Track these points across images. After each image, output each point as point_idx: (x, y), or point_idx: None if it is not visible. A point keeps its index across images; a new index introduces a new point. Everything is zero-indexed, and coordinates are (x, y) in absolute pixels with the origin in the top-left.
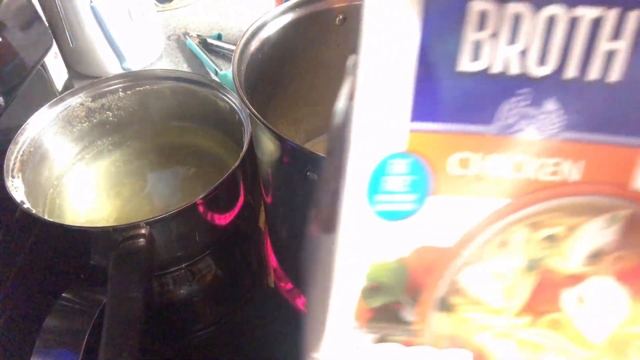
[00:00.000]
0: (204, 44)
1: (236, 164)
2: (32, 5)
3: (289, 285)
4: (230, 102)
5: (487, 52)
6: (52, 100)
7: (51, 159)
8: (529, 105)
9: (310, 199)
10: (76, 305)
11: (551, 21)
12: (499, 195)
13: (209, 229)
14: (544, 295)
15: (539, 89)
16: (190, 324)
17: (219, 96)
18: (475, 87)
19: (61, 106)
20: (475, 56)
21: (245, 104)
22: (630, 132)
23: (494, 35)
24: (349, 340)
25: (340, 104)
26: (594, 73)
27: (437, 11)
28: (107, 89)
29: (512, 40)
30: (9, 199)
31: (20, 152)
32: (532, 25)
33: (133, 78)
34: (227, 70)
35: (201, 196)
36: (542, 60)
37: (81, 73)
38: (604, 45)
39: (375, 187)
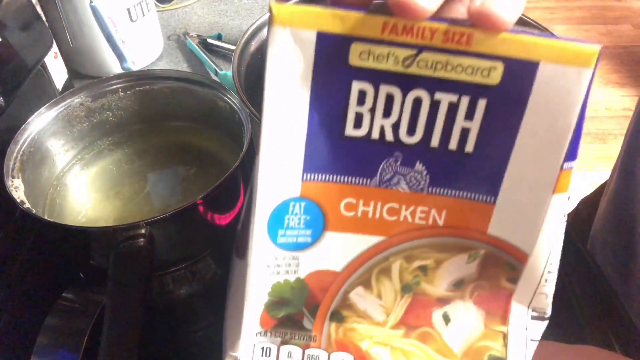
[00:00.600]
0: (204, 44)
1: (236, 164)
2: (32, 5)
3: None
4: (230, 102)
5: (367, 122)
6: (52, 100)
7: (51, 159)
8: (402, 165)
9: None
10: (76, 305)
11: (417, 101)
12: (378, 233)
13: (209, 229)
14: (417, 312)
15: (409, 153)
16: (190, 324)
17: (219, 96)
18: (358, 149)
19: (61, 106)
20: (358, 125)
21: (245, 104)
22: (483, 192)
23: (372, 109)
24: (258, 342)
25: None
26: (452, 144)
27: (324, 89)
28: (107, 89)
29: (386, 114)
30: (9, 199)
31: (20, 152)
32: (402, 104)
33: (133, 78)
34: (227, 70)
35: (201, 196)
36: (411, 132)
37: (81, 73)
38: (459, 123)
39: (277, 223)
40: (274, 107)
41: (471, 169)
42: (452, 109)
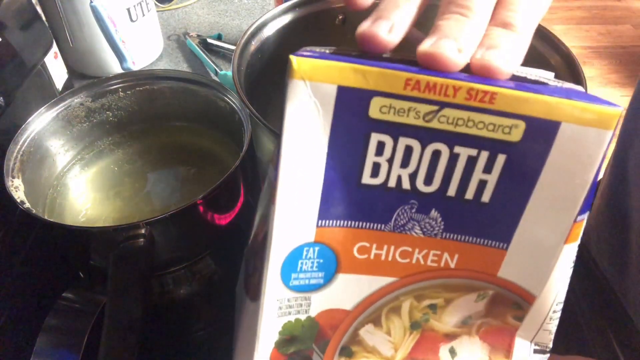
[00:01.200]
0: (204, 44)
1: (236, 164)
2: (32, 5)
3: None
4: (230, 102)
5: (384, 171)
6: (52, 100)
7: (51, 159)
8: (417, 212)
9: None
10: (76, 305)
11: (436, 154)
12: (390, 275)
13: (209, 229)
14: (425, 347)
15: (425, 201)
16: (190, 324)
17: (219, 96)
18: (374, 196)
19: (61, 106)
20: (375, 174)
21: (245, 104)
22: (494, 238)
23: (390, 159)
24: None
25: (264, 202)
26: (469, 194)
27: (342, 139)
28: (107, 89)
29: (404, 165)
30: (9, 199)
31: (20, 152)
32: (420, 155)
33: (133, 78)
34: (227, 70)
35: (201, 196)
36: (428, 181)
37: (81, 73)
38: (477, 175)
39: (290, 267)
40: (291, 156)
41: (486, 218)
42: (471, 161)
